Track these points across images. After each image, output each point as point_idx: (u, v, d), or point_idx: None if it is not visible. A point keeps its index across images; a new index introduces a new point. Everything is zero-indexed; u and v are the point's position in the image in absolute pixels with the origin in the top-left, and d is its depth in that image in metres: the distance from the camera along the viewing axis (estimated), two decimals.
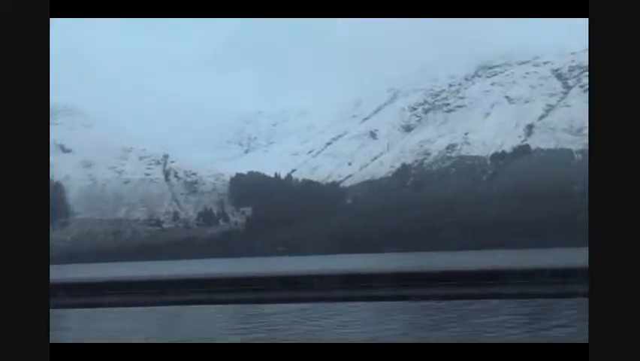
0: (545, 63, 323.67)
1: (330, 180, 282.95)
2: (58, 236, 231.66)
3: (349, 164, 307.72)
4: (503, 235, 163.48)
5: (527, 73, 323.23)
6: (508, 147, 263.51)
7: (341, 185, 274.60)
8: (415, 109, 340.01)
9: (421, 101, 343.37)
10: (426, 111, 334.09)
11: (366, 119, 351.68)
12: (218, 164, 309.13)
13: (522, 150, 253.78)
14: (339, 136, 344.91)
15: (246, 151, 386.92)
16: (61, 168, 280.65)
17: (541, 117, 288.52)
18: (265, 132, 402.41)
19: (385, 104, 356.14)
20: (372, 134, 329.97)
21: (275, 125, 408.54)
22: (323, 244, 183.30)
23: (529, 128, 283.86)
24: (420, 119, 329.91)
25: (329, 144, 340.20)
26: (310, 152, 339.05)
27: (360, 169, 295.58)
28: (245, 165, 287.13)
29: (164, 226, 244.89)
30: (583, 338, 3.42)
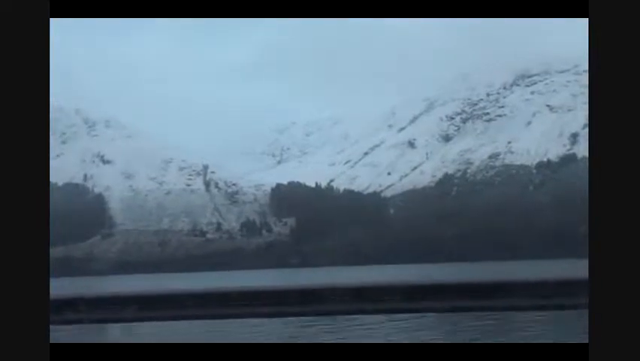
0: (586, 71, 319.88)
1: (370, 190, 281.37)
2: (104, 247, 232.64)
3: (389, 174, 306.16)
4: (558, 244, 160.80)
5: (568, 81, 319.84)
6: (553, 156, 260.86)
7: (382, 195, 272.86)
8: (452, 118, 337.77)
9: (459, 110, 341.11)
10: (464, 120, 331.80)
11: (403, 128, 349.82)
12: (256, 175, 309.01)
13: (568, 159, 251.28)
14: (376, 146, 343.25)
15: (279, 162, 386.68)
16: (101, 179, 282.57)
17: (585, 126, 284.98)
18: (299, 143, 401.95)
19: (421, 114, 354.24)
20: (411, 144, 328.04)
21: (308, 135, 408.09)
22: (371, 254, 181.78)
23: (574, 137, 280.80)
24: (459, 129, 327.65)
25: (366, 153, 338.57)
26: (347, 162, 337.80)
27: (401, 179, 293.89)
28: (279, 176, 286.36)
29: (209, 236, 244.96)
30: (583, 338, 3.42)
